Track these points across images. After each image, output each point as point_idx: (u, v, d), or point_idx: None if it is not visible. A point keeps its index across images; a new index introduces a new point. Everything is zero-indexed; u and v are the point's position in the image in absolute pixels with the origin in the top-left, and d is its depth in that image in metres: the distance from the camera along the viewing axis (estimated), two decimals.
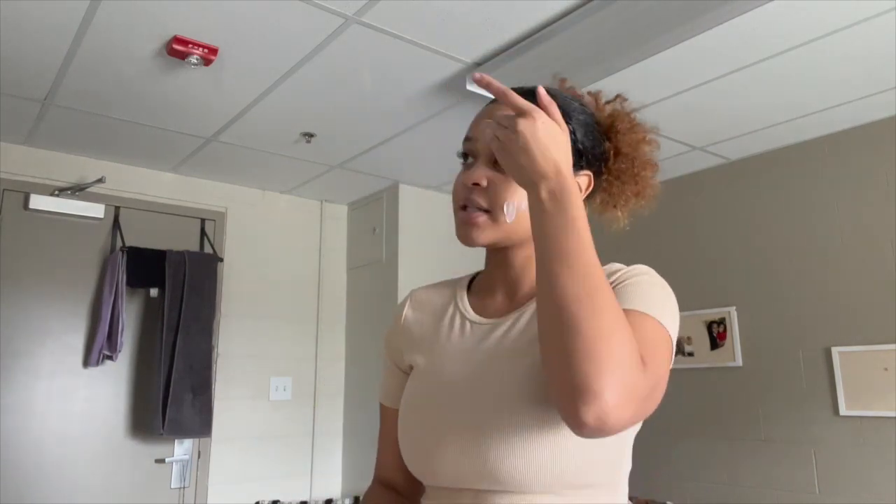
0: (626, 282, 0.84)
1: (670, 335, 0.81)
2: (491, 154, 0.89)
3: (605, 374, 0.67)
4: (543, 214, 0.75)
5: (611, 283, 0.83)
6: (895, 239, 2.53)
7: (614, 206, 1.00)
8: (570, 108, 0.94)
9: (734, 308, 2.97)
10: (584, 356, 0.68)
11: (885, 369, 2.47)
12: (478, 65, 2.18)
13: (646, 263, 0.90)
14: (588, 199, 0.97)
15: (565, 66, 2.07)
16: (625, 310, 0.77)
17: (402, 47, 2.07)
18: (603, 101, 1.02)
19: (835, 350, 2.62)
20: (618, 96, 1.02)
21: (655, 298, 0.82)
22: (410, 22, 1.93)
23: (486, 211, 0.89)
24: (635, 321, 0.77)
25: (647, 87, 2.34)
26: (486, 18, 1.92)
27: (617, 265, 0.90)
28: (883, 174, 2.59)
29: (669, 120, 2.62)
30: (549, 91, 0.95)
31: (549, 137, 0.76)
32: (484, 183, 0.89)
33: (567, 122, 0.91)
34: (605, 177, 0.97)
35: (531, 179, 0.76)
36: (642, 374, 0.70)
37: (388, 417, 1.01)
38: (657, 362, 0.75)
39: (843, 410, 2.57)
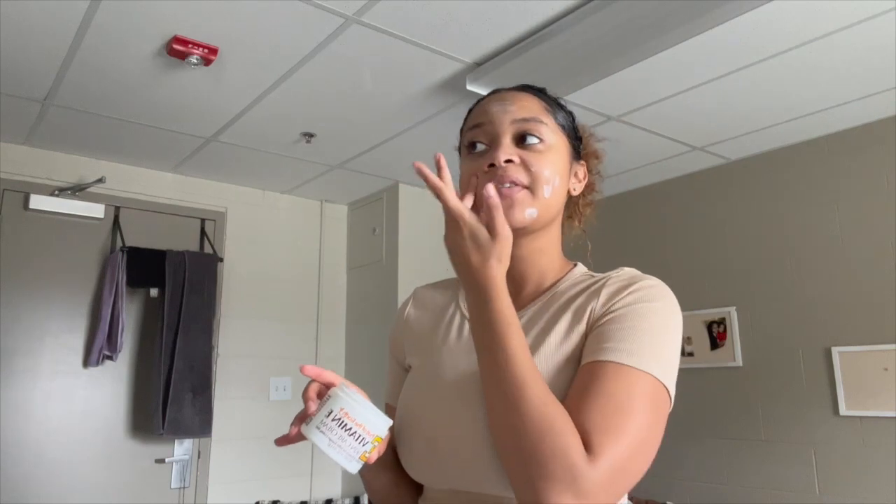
0: (618, 312, 0.80)
1: (658, 381, 0.76)
2: (514, 133, 0.88)
3: (546, 483, 0.68)
4: (473, 311, 0.79)
5: (608, 305, 0.81)
6: (895, 239, 2.53)
7: (571, 217, 1.00)
8: (560, 100, 0.97)
9: (734, 308, 2.97)
10: (524, 458, 0.70)
11: (885, 369, 2.47)
12: (478, 65, 2.18)
13: (647, 264, 0.89)
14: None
15: (565, 66, 2.07)
16: (598, 361, 0.76)
17: (402, 47, 2.07)
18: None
19: (835, 350, 2.61)
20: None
21: (643, 337, 0.77)
22: (410, 22, 1.93)
23: (525, 187, 0.86)
24: (604, 379, 0.74)
25: (647, 87, 2.34)
26: (487, 18, 1.92)
27: (625, 275, 0.86)
28: (883, 174, 2.59)
29: (669, 120, 2.62)
30: (536, 87, 0.95)
31: (472, 248, 0.78)
32: (517, 160, 0.86)
33: (566, 112, 0.95)
34: None
35: (464, 281, 0.80)
36: (588, 470, 0.67)
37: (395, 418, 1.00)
38: (623, 433, 0.71)
39: (843, 410, 2.57)
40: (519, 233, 0.86)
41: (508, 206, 0.84)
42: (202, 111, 2.56)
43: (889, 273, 2.52)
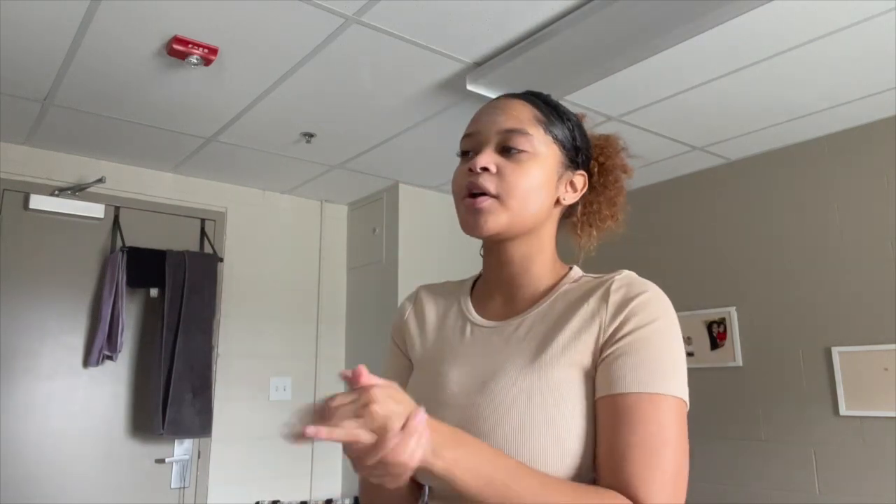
0: (625, 341, 0.80)
1: (684, 401, 0.80)
2: (498, 142, 0.90)
3: None
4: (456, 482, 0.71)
5: (613, 326, 0.81)
6: (895, 239, 2.53)
7: (590, 225, 1.00)
8: (562, 109, 0.96)
9: (734, 308, 2.97)
10: None
11: (885, 369, 2.47)
12: (478, 64, 2.18)
13: (646, 264, 0.90)
14: (572, 208, 0.98)
15: (565, 66, 2.07)
16: (620, 394, 0.76)
17: (402, 47, 2.07)
18: (588, 126, 1.03)
19: (835, 350, 2.61)
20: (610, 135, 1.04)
21: (665, 358, 0.80)
22: (410, 22, 1.93)
23: (494, 196, 0.87)
24: (631, 413, 0.76)
25: (647, 87, 2.34)
26: (486, 18, 1.92)
27: (625, 282, 0.86)
28: (883, 174, 2.59)
29: (669, 120, 2.62)
30: (539, 94, 0.96)
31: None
32: (493, 168, 0.88)
33: (566, 120, 0.94)
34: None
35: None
36: None
37: None
38: (665, 477, 0.74)
39: (843, 410, 2.57)
40: (499, 239, 0.91)
41: (477, 214, 0.88)
42: (202, 111, 2.56)
43: (889, 273, 2.52)
